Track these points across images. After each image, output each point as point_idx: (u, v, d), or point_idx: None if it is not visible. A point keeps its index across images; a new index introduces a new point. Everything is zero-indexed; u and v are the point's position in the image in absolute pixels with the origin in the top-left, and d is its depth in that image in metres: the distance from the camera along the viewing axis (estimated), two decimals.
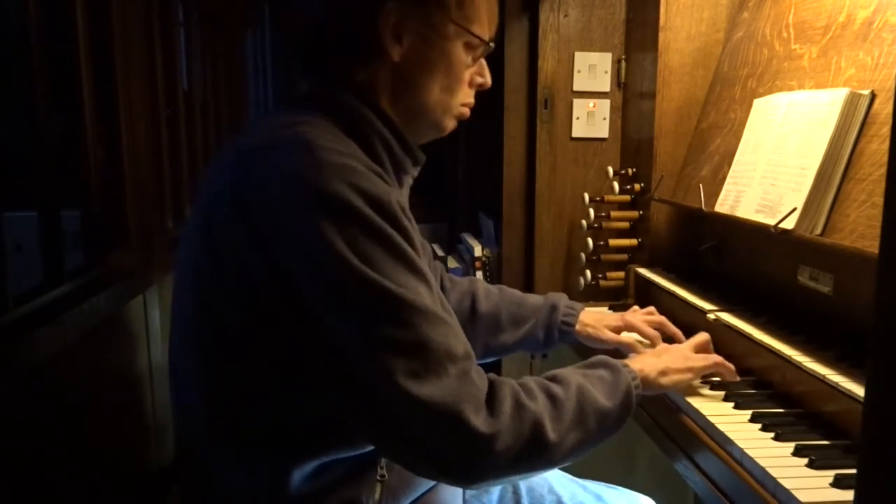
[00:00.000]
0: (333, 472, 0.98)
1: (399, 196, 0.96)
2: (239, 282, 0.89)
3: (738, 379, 1.22)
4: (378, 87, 1.01)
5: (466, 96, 1.08)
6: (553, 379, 1.00)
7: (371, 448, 0.99)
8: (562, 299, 1.41)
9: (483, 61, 1.08)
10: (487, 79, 1.09)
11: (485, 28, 1.04)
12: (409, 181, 1.10)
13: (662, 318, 1.41)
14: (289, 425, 0.95)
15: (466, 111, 1.09)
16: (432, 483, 1.09)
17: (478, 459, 0.88)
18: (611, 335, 1.38)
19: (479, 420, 0.86)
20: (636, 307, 1.49)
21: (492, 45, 1.05)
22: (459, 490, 1.19)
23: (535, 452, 0.92)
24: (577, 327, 1.38)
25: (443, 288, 1.39)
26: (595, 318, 1.40)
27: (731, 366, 1.21)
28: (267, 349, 0.91)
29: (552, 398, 0.96)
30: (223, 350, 0.94)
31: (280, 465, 0.95)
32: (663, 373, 1.12)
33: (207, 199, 0.95)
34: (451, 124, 1.09)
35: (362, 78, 1.00)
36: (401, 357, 0.85)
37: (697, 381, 1.23)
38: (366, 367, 0.85)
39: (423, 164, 1.10)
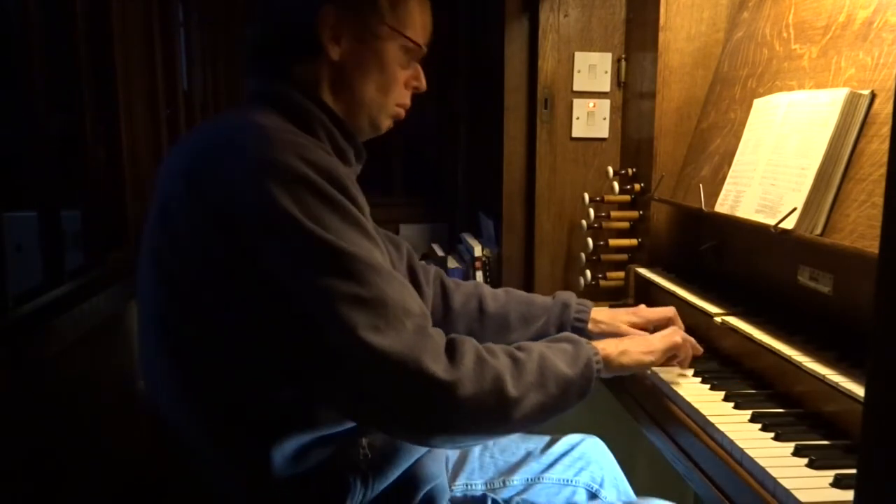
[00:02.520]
0: (317, 455, 0.99)
1: (347, 170, 1.01)
2: (199, 255, 0.93)
3: (691, 366, 1.27)
4: (319, 83, 1.08)
5: (402, 97, 1.14)
6: (517, 347, 1.06)
7: (348, 427, 1.01)
8: (572, 297, 1.44)
9: (418, 65, 1.15)
10: (422, 82, 1.16)
11: (418, 33, 1.12)
12: (352, 175, 1.12)
13: (673, 310, 1.42)
14: (261, 403, 0.96)
15: (401, 111, 1.16)
16: (416, 456, 1.11)
17: (440, 408, 0.92)
18: (629, 330, 1.39)
19: (438, 368, 0.90)
20: (643, 306, 1.50)
21: (425, 49, 1.14)
22: (443, 461, 1.20)
23: (495, 406, 0.95)
24: (590, 325, 1.40)
25: (445, 290, 1.42)
26: (609, 315, 1.42)
27: (696, 348, 1.28)
28: (231, 320, 0.93)
29: (514, 359, 1.01)
30: (189, 329, 0.96)
31: (259, 446, 0.96)
32: (623, 353, 1.17)
33: (163, 184, 0.99)
34: (386, 123, 1.15)
35: (304, 75, 1.07)
36: (359, 311, 0.88)
37: (698, 380, 1.23)
38: (325, 324, 0.88)
39: (365, 160, 1.16)
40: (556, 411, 1.03)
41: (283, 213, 0.88)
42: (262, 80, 1.08)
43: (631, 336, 1.29)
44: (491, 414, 0.96)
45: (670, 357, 1.23)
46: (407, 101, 1.16)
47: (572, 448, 1.41)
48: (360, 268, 0.90)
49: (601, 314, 1.42)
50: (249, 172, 0.90)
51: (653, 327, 1.40)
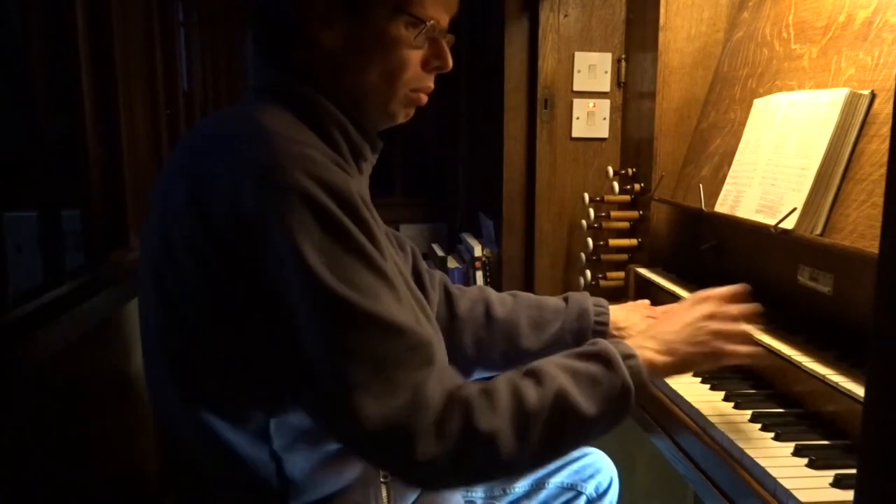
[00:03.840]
0: (338, 480, 0.97)
1: (360, 186, 0.94)
2: (198, 277, 0.87)
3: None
4: (320, 72, 0.98)
5: (419, 80, 1.01)
6: (534, 374, 0.91)
7: None
8: (587, 300, 1.34)
9: (441, 42, 1.01)
10: (446, 61, 1.02)
11: (426, 7, 0.98)
12: (367, 168, 1.06)
13: None
14: (265, 417, 0.92)
15: (421, 97, 1.03)
16: None
17: (418, 479, 0.90)
18: None
19: (421, 445, 0.83)
20: (646, 301, 1.49)
21: (441, 23, 0.99)
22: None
23: (487, 469, 0.89)
24: (611, 328, 1.33)
25: (449, 295, 1.34)
26: (625, 320, 1.35)
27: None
28: (226, 339, 0.89)
29: (520, 409, 0.87)
30: (189, 348, 0.92)
31: (267, 460, 0.93)
32: (684, 362, 0.99)
33: (163, 195, 0.93)
34: (401, 110, 1.03)
35: (304, 65, 0.97)
36: (349, 366, 0.82)
37: (698, 380, 1.23)
38: (318, 369, 0.83)
39: (381, 150, 1.06)
40: (572, 450, 0.98)
41: (287, 242, 0.81)
42: (264, 72, 1.00)
43: (698, 325, 1.03)
44: (483, 475, 0.91)
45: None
46: (427, 83, 1.03)
47: (583, 455, 1.37)
48: (359, 320, 0.82)
49: (619, 317, 1.34)
50: (253, 191, 0.83)
51: None
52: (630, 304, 1.45)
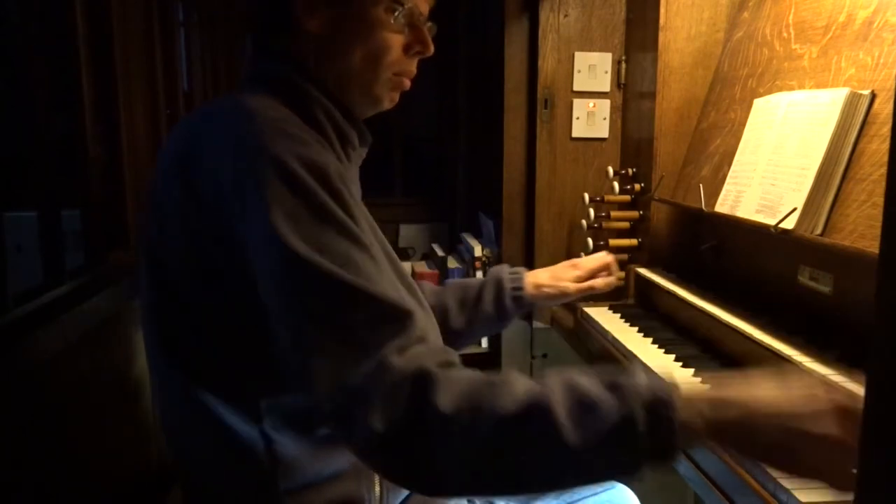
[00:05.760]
0: (330, 467, 0.97)
1: (345, 170, 0.94)
2: (186, 248, 0.90)
3: None
4: (306, 59, 1.00)
5: (400, 65, 1.03)
6: (542, 378, 0.81)
7: None
8: (503, 270, 1.40)
9: (423, 28, 1.04)
10: (427, 45, 1.04)
11: None
12: (356, 158, 1.07)
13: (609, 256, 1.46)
14: (260, 400, 0.93)
15: (404, 81, 1.05)
16: None
17: (364, 452, 0.81)
18: (577, 288, 1.40)
19: (372, 416, 0.77)
20: (578, 258, 1.51)
21: (407, 6, 1.01)
22: None
23: (440, 457, 0.77)
24: (532, 290, 1.38)
25: None
26: (550, 276, 1.41)
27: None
28: (217, 318, 0.91)
29: (487, 401, 0.77)
30: (180, 323, 0.94)
31: (265, 444, 0.93)
32: (744, 445, 0.80)
33: (156, 177, 0.97)
34: (385, 94, 1.05)
35: (290, 52, 1.00)
36: (310, 329, 0.80)
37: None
38: (282, 331, 0.83)
39: (370, 143, 1.08)
40: (544, 478, 0.80)
41: (262, 213, 0.82)
42: (253, 61, 1.03)
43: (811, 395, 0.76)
44: (433, 465, 0.78)
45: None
46: (409, 68, 1.05)
47: (599, 492, 1.31)
48: (330, 285, 0.81)
49: (541, 276, 1.40)
50: (233, 161, 0.85)
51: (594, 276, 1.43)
52: (559, 264, 1.49)
